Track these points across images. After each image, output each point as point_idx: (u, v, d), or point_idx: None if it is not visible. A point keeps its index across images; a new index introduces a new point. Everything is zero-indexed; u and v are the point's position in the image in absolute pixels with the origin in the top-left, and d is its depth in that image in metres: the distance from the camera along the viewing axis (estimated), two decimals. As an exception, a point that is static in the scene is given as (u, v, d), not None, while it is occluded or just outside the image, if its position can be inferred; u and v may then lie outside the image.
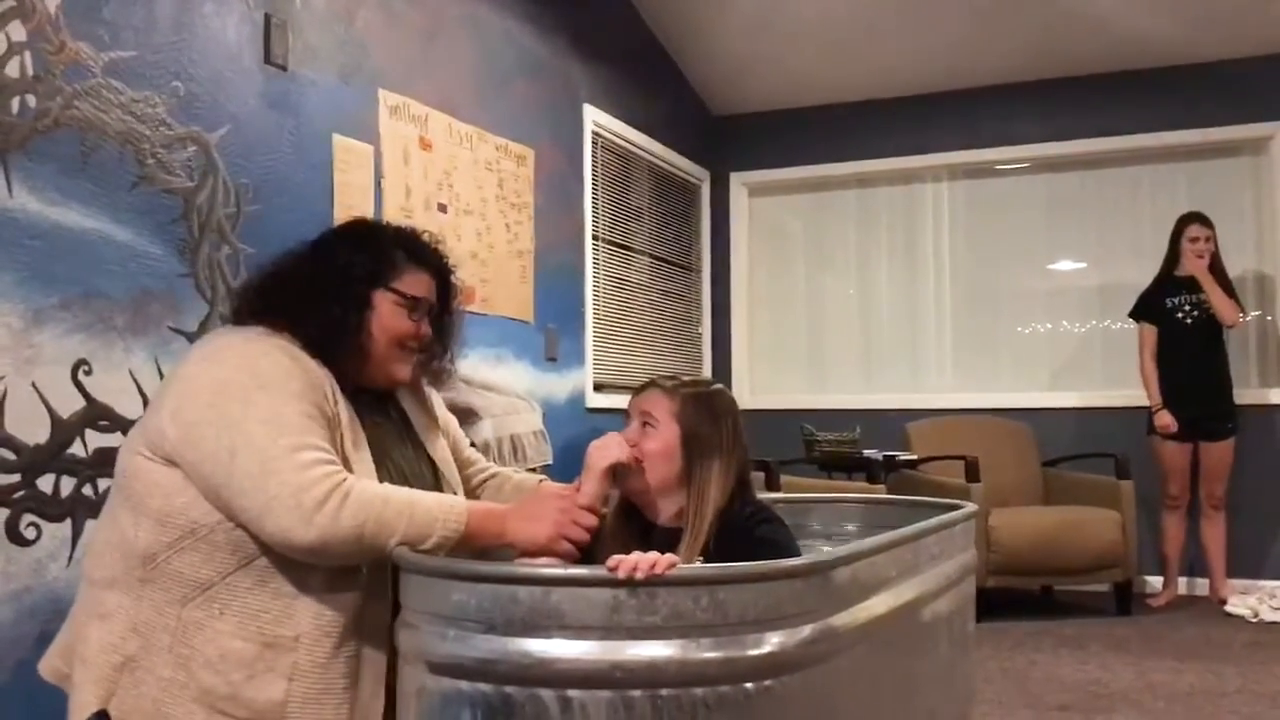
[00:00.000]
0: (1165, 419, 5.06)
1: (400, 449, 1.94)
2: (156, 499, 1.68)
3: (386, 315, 1.83)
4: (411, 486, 1.83)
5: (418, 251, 1.90)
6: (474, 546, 1.71)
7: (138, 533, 1.69)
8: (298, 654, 1.68)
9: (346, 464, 1.73)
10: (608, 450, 1.80)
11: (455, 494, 1.95)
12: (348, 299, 1.80)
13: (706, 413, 1.84)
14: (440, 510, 1.67)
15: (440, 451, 2.01)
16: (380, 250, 1.86)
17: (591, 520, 1.76)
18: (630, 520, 1.84)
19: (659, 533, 1.80)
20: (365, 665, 1.73)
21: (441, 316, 1.94)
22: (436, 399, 2.09)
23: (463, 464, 2.09)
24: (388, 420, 1.95)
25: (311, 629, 1.68)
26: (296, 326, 1.77)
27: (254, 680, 1.66)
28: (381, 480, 1.78)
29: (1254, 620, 4.75)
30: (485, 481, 2.14)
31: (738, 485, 1.84)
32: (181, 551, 1.68)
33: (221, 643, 1.67)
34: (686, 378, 1.94)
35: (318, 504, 1.59)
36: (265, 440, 1.62)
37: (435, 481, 1.96)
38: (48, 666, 1.81)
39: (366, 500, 1.63)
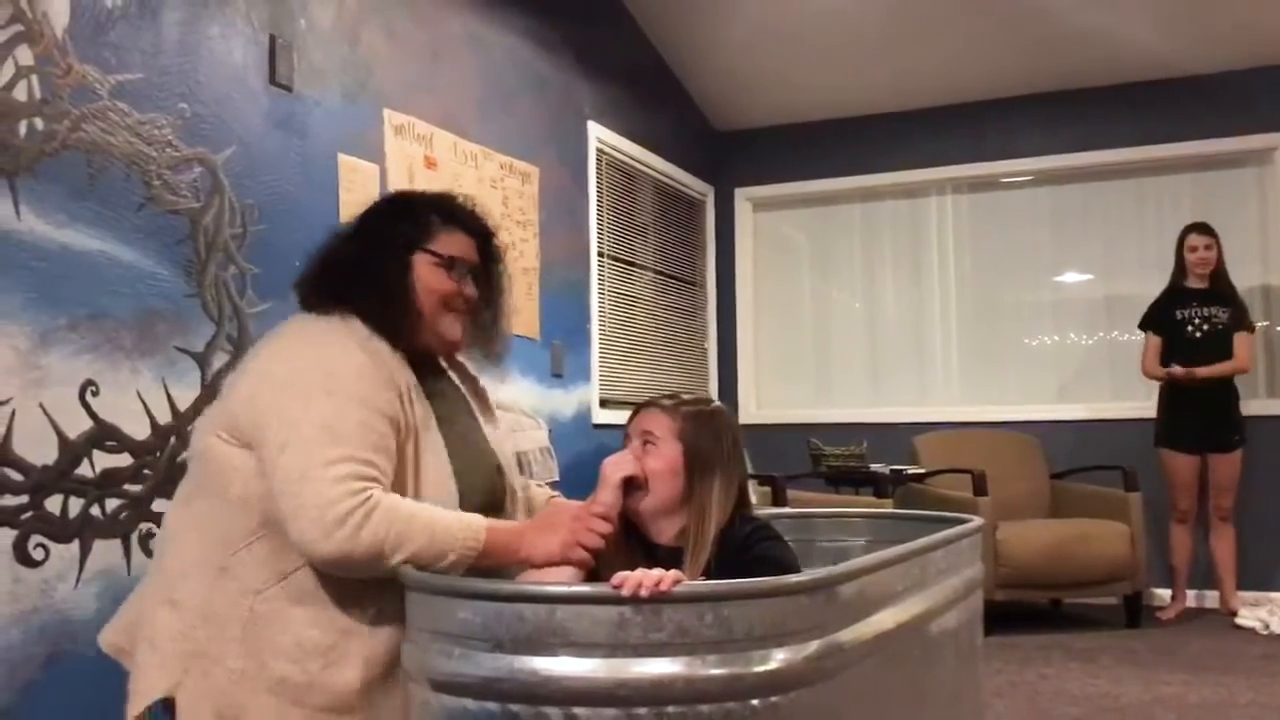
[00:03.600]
0: (1178, 370, 5.01)
1: (465, 419, 1.97)
2: (236, 485, 1.70)
3: (426, 276, 1.85)
4: (479, 458, 1.90)
5: (452, 213, 1.93)
6: (491, 564, 1.72)
7: (218, 518, 1.71)
8: (375, 640, 1.69)
9: (416, 453, 1.75)
10: (622, 463, 1.81)
11: (511, 481, 1.98)
12: (391, 267, 1.84)
13: (708, 430, 1.85)
14: (460, 529, 1.68)
15: (495, 435, 2.03)
16: (414, 215, 1.91)
17: (606, 527, 1.75)
18: (632, 540, 1.84)
19: (662, 552, 1.80)
20: None
21: (488, 275, 1.97)
22: (493, 398, 2.12)
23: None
24: (454, 395, 1.99)
25: (387, 615, 1.69)
26: (357, 307, 1.81)
27: (331, 669, 1.67)
28: (452, 453, 1.81)
29: (1265, 633, 4.73)
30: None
31: (737, 502, 1.85)
32: (261, 539, 1.69)
33: (297, 631, 1.67)
34: (685, 396, 1.95)
35: (339, 520, 1.59)
36: (314, 446, 1.63)
37: (494, 463, 1.97)
38: (108, 641, 1.82)
39: (390, 518, 1.62)
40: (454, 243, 1.90)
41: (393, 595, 1.66)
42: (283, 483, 1.62)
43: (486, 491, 1.91)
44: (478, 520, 1.72)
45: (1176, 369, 5.01)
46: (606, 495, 1.79)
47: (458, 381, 2.04)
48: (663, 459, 1.81)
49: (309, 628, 1.68)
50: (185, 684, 1.67)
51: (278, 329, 1.86)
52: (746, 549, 1.78)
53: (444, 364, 2.01)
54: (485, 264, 1.96)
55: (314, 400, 1.67)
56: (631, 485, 1.81)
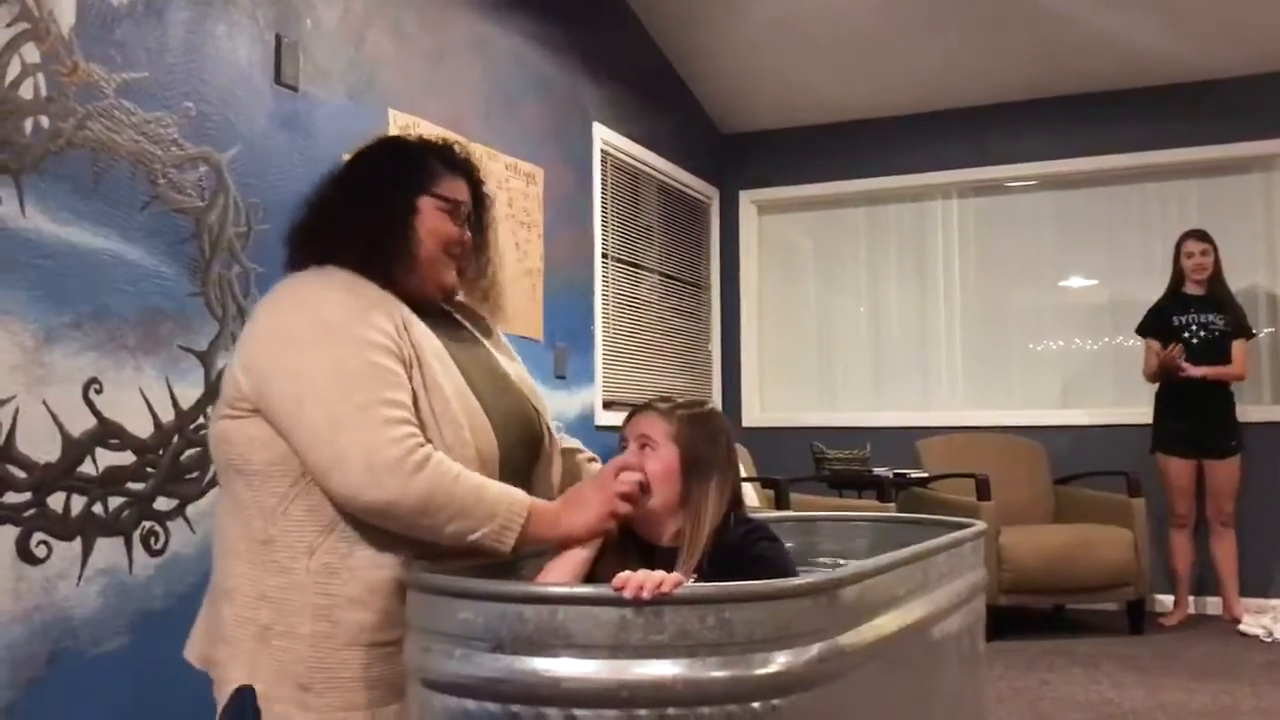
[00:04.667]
0: (1175, 350, 4.99)
1: (483, 353, 1.93)
2: (257, 451, 1.67)
3: (432, 219, 1.82)
4: (497, 386, 1.85)
5: (451, 158, 1.90)
6: (531, 542, 1.70)
7: (251, 492, 1.68)
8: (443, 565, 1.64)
9: (425, 385, 1.70)
10: (632, 471, 1.81)
11: (548, 420, 1.95)
12: (393, 207, 1.79)
13: (704, 433, 1.86)
14: (504, 503, 1.65)
15: (518, 371, 1.99)
16: (415, 158, 1.87)
17: (629, 484, 1.76)
18: (629, 542, 1.83)
19: (661, 554, 1.80)
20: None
21: (479, 224, 1.94)
22: (499, 332, 2.08)
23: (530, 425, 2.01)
24: (462, 333, 1.94)
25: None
26: (348, 250, 1.76)
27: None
28: (471, 382, 1.77)
29: (1268, 640, 4.71)
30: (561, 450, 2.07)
31: (731, 504, 1.85)
32: (298, 497, 1.66)
33: (363, 577, 1.64)
34: (680, 399, 1.94)
35: (390, 466, 1.56)
36: (334, 394, 1.60)
37: (524, 396, 1.94)
38: (193, 652, 1.79)
39: (441, 471, 1.60)
40: (458, 188, 1.88)
41: None
42: (312, 436, 1.59)
43: (521, 425, 1.87)
44: (521, 498, 1.69)
45: (1177, 350, 4.98)
46: (628, 457, 1.81)
47: (463, 320, 1.99)
48: (661, 461, 1.81)
49: (374, 569, 1.64)
50: (261, 665, 1.65)
51: (268, 295, 1.81)
52: (742, 550, 1.78)
53: (446, 307, 1.96)
54: (476, 210, 1.94)
55: (314, 348, 1.63)
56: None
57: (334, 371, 1.61)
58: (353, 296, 1.71)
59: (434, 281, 1.84)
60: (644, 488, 1.79)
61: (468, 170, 1.92)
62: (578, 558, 1.72)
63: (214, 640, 1.72)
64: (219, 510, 1.78)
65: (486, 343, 1.99)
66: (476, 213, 1.93)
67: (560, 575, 1.70)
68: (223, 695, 1.68)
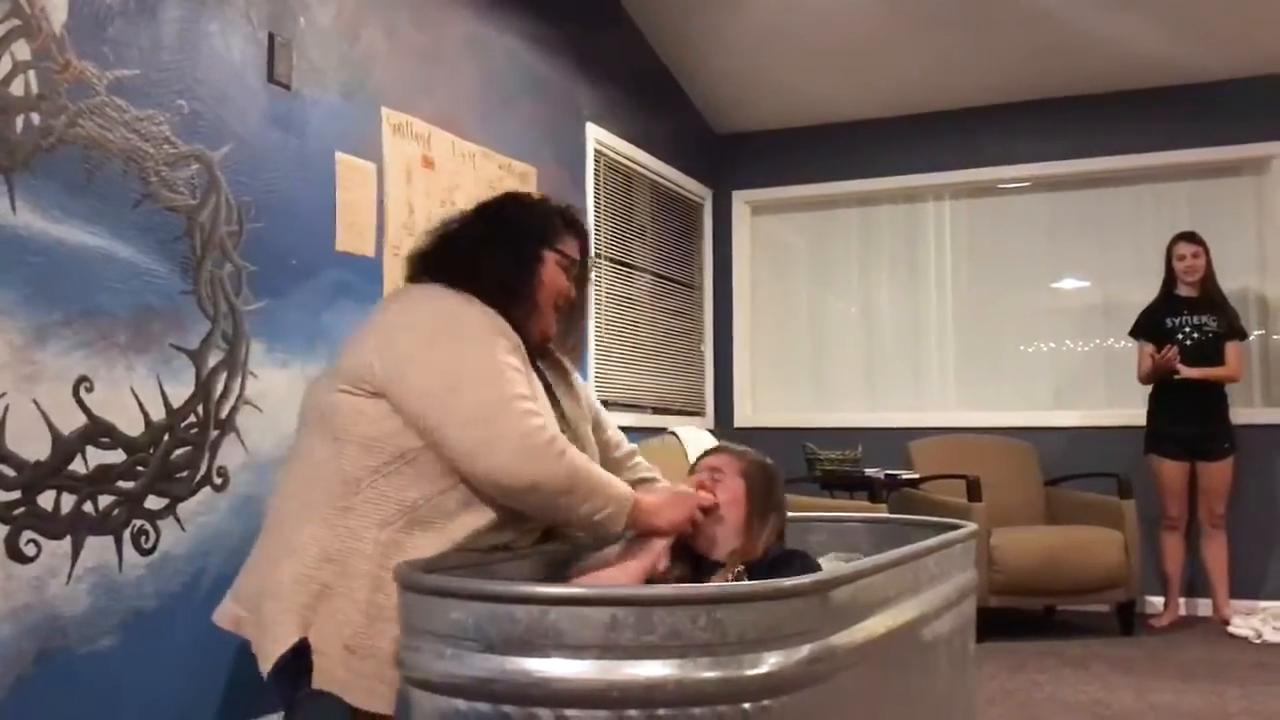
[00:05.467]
0: (1171, 352, 5.00)
1: (559, 394, 2.18)
2: (362, 425, 1.84)
3: (552, 274, 2.07)
4: (574, 431, 2.14)
5: (572, 220, 2.16)
6: (631, 526, 1.97)
7: (341, 461, 1.84)
8: (497, 562, 1.88)
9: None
10: (704, 494, 2.15)
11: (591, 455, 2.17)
12: (521, 255, 2.03)
13: (765, 476, 2.24)
14: (621, 490, 1.93)
15: (575, 411, 2.23)
16: (544, 214, 2.12)
17: (707, 500, 2.10)
18: (683, 554, 2.13)
19: (707, 564, 2.12)
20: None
21: (582, 280, 2.20)
22: (577, 377, 2.31)
23: (604, 444, 2.27)
24: (543, 375, 2.17)
25: (514, 538, 1.92)
26: (474, 282, 1.95)
27: None
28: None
29: (1258, 641, 4.73)
30: (626, 464, 2.35)
31: (778, 536, 2.25)
32: (388, 475, 1.83)
33: (421, 557, 1.79)
34: (745, 449, 2.32)
35: (540, 448, 1.79)
36: (487, 384, 1.81)
37: (579, 438, 2.17)
38: (227, 614, 1.92)
39: (578, 457, 1.86)
40: (573, 247, 2.13)
41: (525, 518, 1.90)
42: (461, 422, 1.78)
43: None
44: (627, 486, 1.98)
45: (1173, 353, 4.99)
46: (704, 479, 2.20)
47: (541, 365, 2.20)
48: (729, 491, 2.16)
49: (431, 553, 1.80)
50: (315, 623, 1.77)
51: (399, 294, 2.01)
52: (777, 562, 2.11)
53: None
54: (581, 269, 2.20)
55: (463, 343, 1.84)
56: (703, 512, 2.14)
57: (485, 366, 1.83)
58: (489, 316, 1.93)
59: (539, 327, 2.09)
60: (713, 509, 2.12)
61: (582, 232, 2.18)
62: (660, 545, 2.01)
63: (255, 603, 1.83)
64: (291, 474, 1.94)
65: (559, 389, 2.23)
66: (581, 271, 2.19)
67: (645, 557, 1.99)
68: (269, 648, 1.78)
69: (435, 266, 2.03)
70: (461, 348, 1.84)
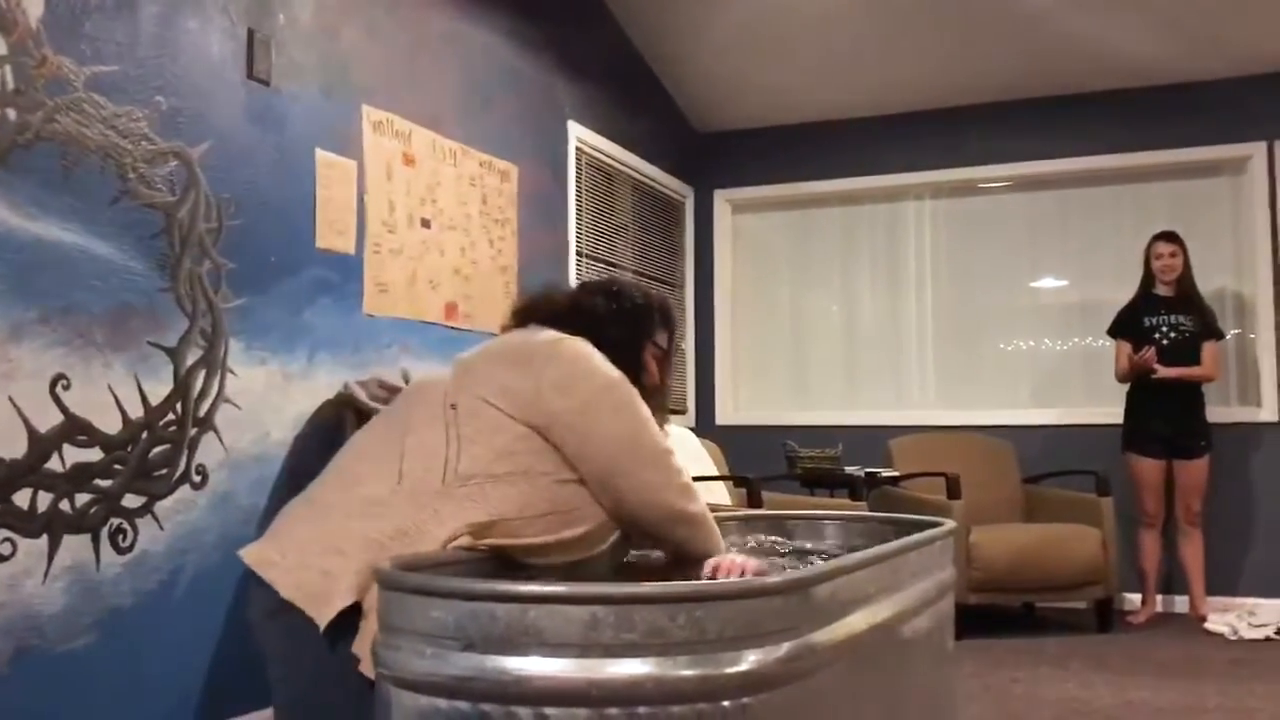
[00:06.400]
0: (1148, 353, 5.04)
1: None
2: (502, 438, 2.01)
3: (650, 363, 2.33)
4: None
5: (667, 313, 2.42)
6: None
7: (460, 456, 1.99)
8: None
9: None
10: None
11: None
12: (635, 346, 2.29)
13: None
14: (718, 537, 2.18)
15: None
16: (650, 309, 2.37)
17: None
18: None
19: None
20: None
21: (664, 365, 2.42)
22: None
23: None
24: None
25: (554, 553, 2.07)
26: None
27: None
28: None
29: (1233, 638, 4.77)
30: None
31: None
32: (501, 483, 1.98)
33: None
34: None
35: (692, 489, 2.13)
36: (657, 435, 2.11)
37: None
38: (257, 554, 1.98)
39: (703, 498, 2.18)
40: (665, 337, 2.38)
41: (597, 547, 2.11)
42: (645, 463, 2.07)
43: None
44: (719, 533, 2.22)
45: (1150, 354, 5.03)
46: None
47: None
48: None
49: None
50: (371, 589, 1.78)
51: (551, 335, 2.16)
52: None
53: None
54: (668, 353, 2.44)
55: (635, 398, 2.10)
56: None
57: (649, 419, 2.11)
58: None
59: None
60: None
61: (672, 325, 2.42)
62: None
63: (325, 549, 1.91)
64: (383, 443, 2.07)
65: None
66: (666, 356, 2.43)
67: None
68: (333, 598, 1.85)
69: (562, 323, 2.22)
70: (635, 402, 2.10)
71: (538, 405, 2.03)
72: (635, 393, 2.12)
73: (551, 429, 2.03)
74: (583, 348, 2.15)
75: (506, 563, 1.99)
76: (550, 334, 2.18)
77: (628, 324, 2.31)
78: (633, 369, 2.22)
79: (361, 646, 1.79)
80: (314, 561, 1.91)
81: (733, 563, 2.03)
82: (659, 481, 2.09)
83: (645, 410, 2.11)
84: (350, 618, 1.85)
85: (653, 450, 2.10)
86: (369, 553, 1.86)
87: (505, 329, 2.34)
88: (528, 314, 2.33)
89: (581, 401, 2.05)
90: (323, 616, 1.84)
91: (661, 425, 2.33)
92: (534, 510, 2.00)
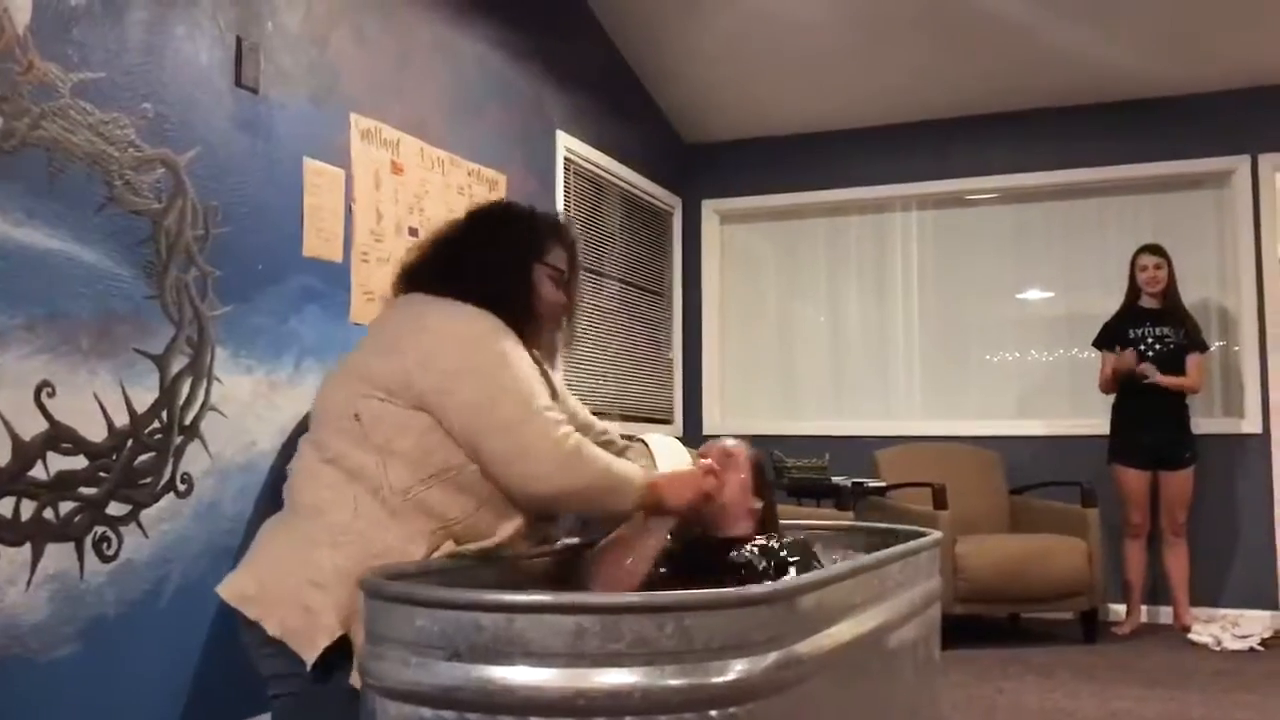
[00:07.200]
0: (1129, 356, 5.09)
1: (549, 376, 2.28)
2: (408, 439, 1.92)
3: (546, 288, 2.17)
4: (565, 405, 2.25)
5: (558, 228, 2.24)
6: (642, 507, 2.07)
7: (387, 471, 1.92)
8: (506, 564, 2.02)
9: None
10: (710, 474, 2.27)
11: None
12: (515, 274, 2.12)
13: (761, 462, 2.49)
14: (637, 478, 2.03)
15: (562, 389, 2.36)
16: (532, 227, 2.19)
17: (712, 484, 2.22)
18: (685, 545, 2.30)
19: (715, 540, 2.30)
20: None
21: (570, 287, 2.27)
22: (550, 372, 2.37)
23: (583, 426, 2.33)
24: None
25: (521, 544, 2.05)
26: (478, 299, 2.03)
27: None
28: None
29: (1217, 649, 4.78)
30: (602, 440, 2.40)
31: (774, 522, 2.48)
32: (432, 488, 1.92)
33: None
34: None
35: (569, 455, 1.90)
36: (523, 395, 1.92)
37: None
38: (235, 589, 1.94)
39: (598, 458, 1.97)
40: (562, 257, 2.21)
41: (527, 528, 2.03)
42: (499, 432, 1.88)
43: None
44: (638, 470, 2.09)
45: (1131, 355, 5.06)
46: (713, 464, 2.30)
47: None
48: (736, 474, 2.37)
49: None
50: (358, 612, 1.78)
51: (416, 308, 2.05)
52: (796, 550, 2.27)
53: None
54: (570, 275, 2.28)
55: (501, 356, 1.94)
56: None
57: (517, 377, 1.93)
58: (507, 329, 2.02)
59: (535, 337, 2.17)
60: (719, 488, 2.24)
61: (568, 238, 2.26)
62: (669, 522, 2.15)
63: (301, 581, 1.89)
64: (322, 470, 1.99)
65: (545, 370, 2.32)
66: (570, 277, 2.27)
67: (657, 534, 2.14)
68: (317, 635, 1.84)
69: (435, 282, 2.09)
70: (499, 360, 1.94)
71: (412, 388, 1.94)
72: (504, 353, 1.96)
73: (432, 410, 1.93)
74: (446, 313, 2.02)
75: (502, 565, 2.00)
76: (416, 307, 2.07)
77: (512, 246, 2.15)
78: (521, 293, 2.10)
79: (356, 679, 1.78)
80: (292, 595, 1.88)
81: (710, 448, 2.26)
82: (512, 453, 1.89)
83: (514, 372, 1.94)
84: (341, 643, 1.84)
85: (511, 418, 1.90)
86: (345, 586, 1.84)
87: (394, 293, 2.23)
88: (410, 280, 2.19)
89: (439, 372, 1.93)
90: (309, 655, 1.84)
91: (557, 355, 2.27)
92: (475, 504, 1.95)
